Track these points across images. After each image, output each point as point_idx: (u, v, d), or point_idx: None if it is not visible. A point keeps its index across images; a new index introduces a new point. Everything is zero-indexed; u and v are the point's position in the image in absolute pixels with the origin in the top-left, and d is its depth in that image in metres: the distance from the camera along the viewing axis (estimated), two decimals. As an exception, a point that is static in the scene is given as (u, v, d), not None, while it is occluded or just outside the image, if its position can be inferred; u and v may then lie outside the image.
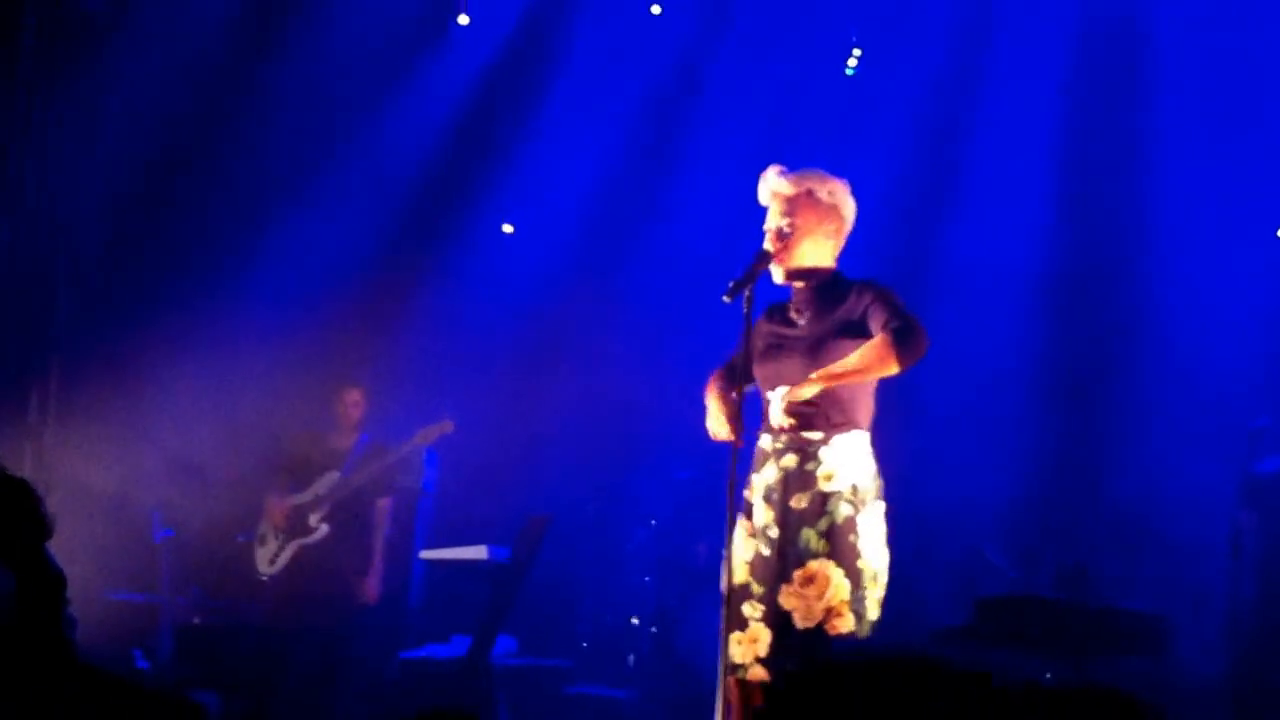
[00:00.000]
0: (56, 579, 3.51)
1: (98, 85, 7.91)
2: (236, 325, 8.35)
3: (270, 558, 7.41)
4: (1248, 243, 8.45)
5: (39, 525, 3.54)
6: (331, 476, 7.42)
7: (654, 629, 8.38)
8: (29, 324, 7.78)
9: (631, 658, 8.24)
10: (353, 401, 7.51)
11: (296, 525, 7.39)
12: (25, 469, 7.06)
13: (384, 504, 7.51)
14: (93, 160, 7.94)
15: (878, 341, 4.19)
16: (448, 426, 7.44)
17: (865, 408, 4.33)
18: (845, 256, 4.57)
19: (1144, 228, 8.64)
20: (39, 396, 7.70)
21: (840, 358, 4.25)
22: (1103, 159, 8.78)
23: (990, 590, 6.66)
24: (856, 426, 4.30)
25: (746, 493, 4.37)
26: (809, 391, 4.19)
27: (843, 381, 4.21)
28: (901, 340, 4.18)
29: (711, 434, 4.37)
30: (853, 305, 4.35)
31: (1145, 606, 6.55)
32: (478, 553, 7.48)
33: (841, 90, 9.04)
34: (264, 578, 7.41)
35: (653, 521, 8.55)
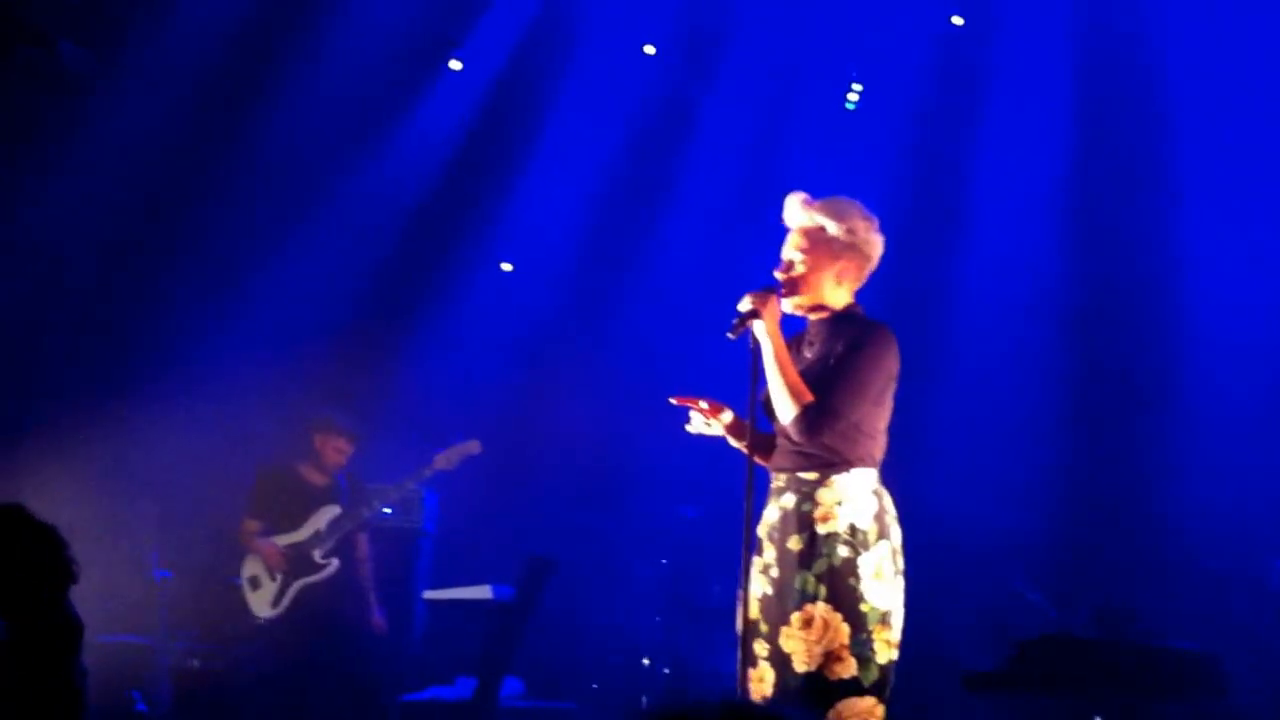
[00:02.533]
0: (76, 628, 3.56)
1: (84, 136, 8.01)
2: (229, 365, 8.36)
3: (270, 600, 7.28)
4: (1266, 262, 8.30)
5: (65, 573, 3.55)
6: (331, 511, 7.36)
7: (667, 670, 8.27)
8: (22, 366, 7.90)
9: (645, 699, 8.11)
10: (338, 448, 7.46)
11: (300, 564, 7.30)
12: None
13: (363, 539, 7.50)
14: (82, 207, 8.02)
15: (802, 398, 4.15)
16: (474, 446, 7.41)
17: (869, 445, 4.21)
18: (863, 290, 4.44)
19: (1160, 250, 8.58)
20: (34, 437, 7.67)
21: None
22: (1120, 181, 8.69)
23: (1025, 630, 6.40)
24: (858, 464, 4.19)
25: (760, 529, 4.31)
26: (768, 324, 4.18)
27: (767, 366, 4.18)
28: (810, 418, 4.14)
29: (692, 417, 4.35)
30: (836, 348, 4.25)
31: (1198, 645, 6.24)
32: (481, 593, 7.40)
33: (843, 123, 9.02)
34: (262, 621, 7.28)
35: (663, 561, 8.47)
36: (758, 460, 4.23)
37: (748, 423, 4.21)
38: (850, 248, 4.28)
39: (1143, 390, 8.53)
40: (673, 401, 4.35)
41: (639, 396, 8.66)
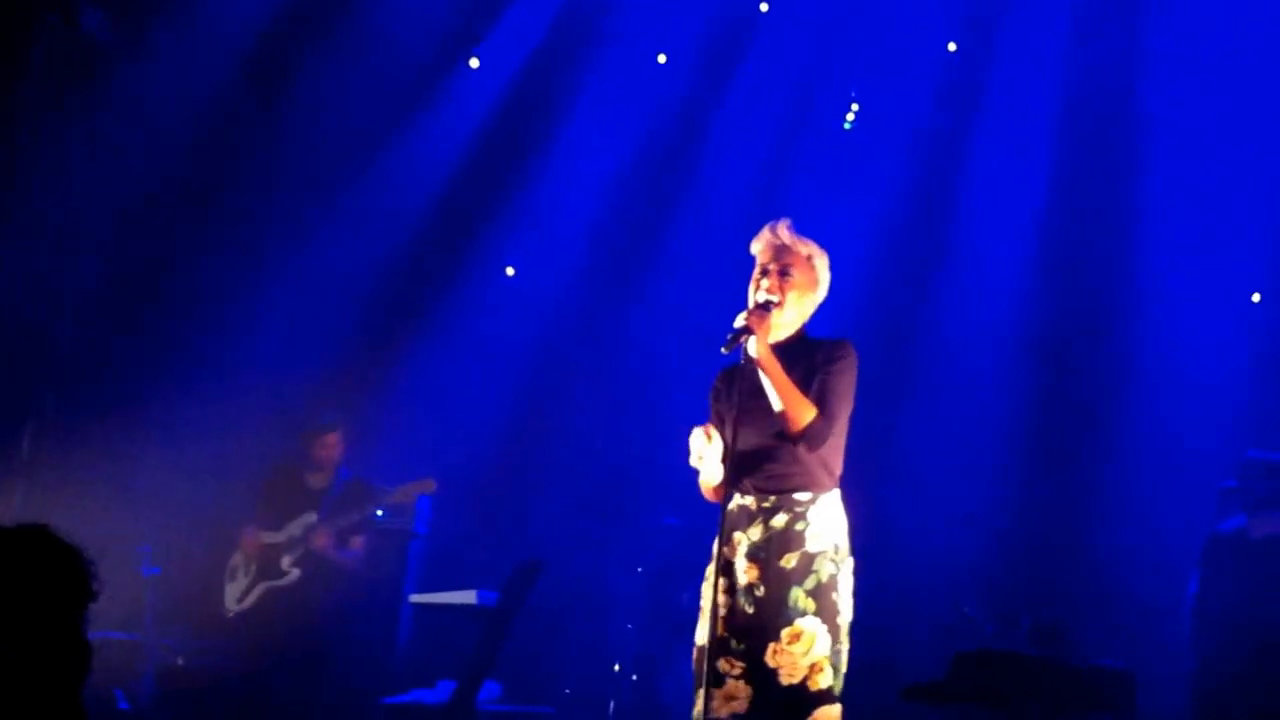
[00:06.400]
0: (87, 650, 3.41)
1: (104, 113, 7.92)
2: (235, 361, 8.39)
3: (239, 595, 7.38)
4: (1223, 306, 8.62)
5: (86, 595, 3.40)
6: (308, 518, 7.41)
7: (635, 676, 8.39)
8: (28, 357, 7.78)
9: (612, 705, 8.24)
10: (329, 444, 7.49)
11: (268, 566, 7.36)
12: (15, 504, 7.12)
13: (358, 540, 7.48)
14: (98, 190, 7.95)
15: (811, 408, 4.27)
16: (429, 485, 7.47)
17: (839, 461, 4.41)
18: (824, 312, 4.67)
19: (1124, 289, 8.83)
20: (33, 432, 7.68)
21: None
22: (1087, 222, 8.92)
23: (968, 645, 6.66)
24: (835, 483, 4.39)
25: (726, 549, 4.36)
26: (759, 344, 4.24)
27: (772, 380, 4.24)
28: (815, 430, 4.27)
29: (694, 450, 4.33)
30: (816, 363, 4.39)
31: (1113, 662, 6.57)
32: (467, 597, 7.47)
33: (839, 144, 9.17)
34: (230, 614, 7.36)
35: (639, 569, 8.57)
36: (716, 485, 4.32)
37: (727, 438, 4.28)
38: (820, 282, 4.48)
39: (1094, 421, 8.74)
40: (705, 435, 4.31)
41: (633, 406, 8.96)
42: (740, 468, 4.32)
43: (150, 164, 8.20)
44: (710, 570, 4.36)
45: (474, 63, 9.05)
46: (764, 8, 9.13)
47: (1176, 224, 8.63)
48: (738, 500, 4.36)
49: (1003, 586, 8.33)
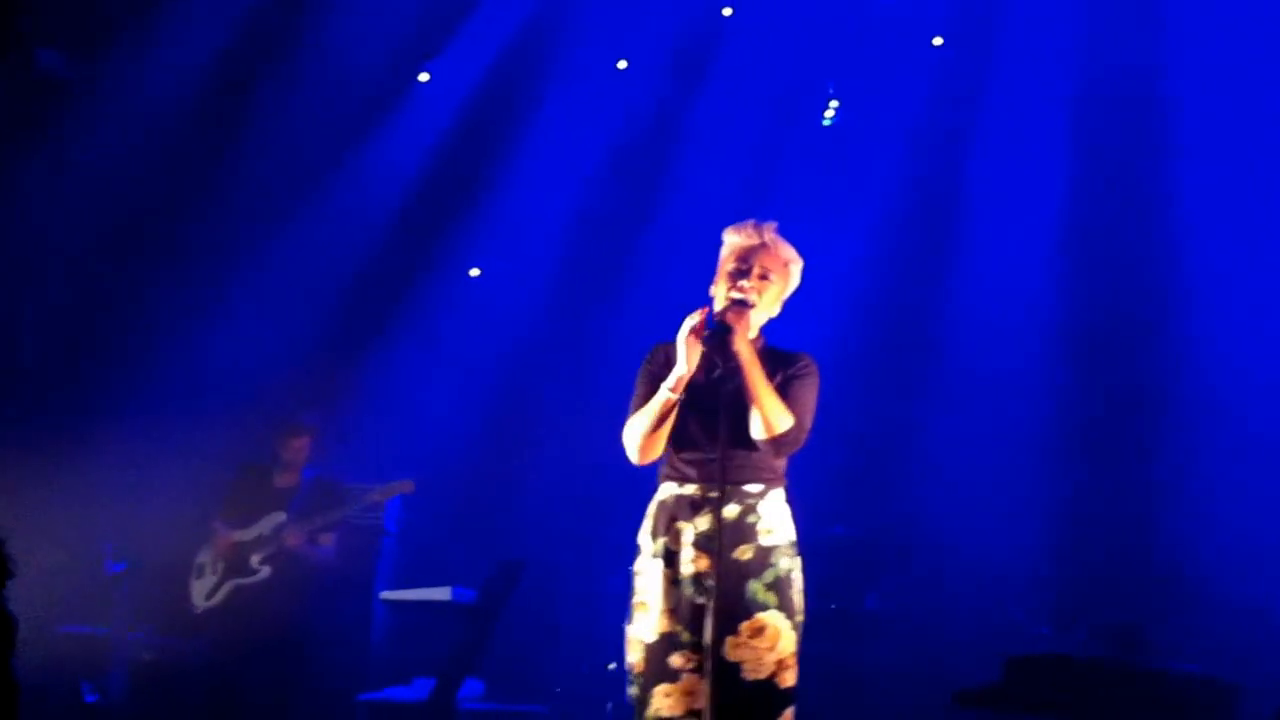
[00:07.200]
0: (9, 624, 3.51)
1: (64, 143, 8.25)
2: (202, 364, 8.55)
3: (207, 592, 7.38)
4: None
5: (3, 574, 3.54)
6: (276, 517, 7.39)
7: None
8: None
9: (610, 705, 8.05)
10: (298, 446, 7.52)
11: (237, 563, 7.38)
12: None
13: (329, 538, 7.47)
14: (58, 217, 8.31)
15: (788, 415, 4.23)
16: (408, 486, 7.54)
17: (785, 463, 4.38)
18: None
19: (1167, 273, 8.58)
20: None
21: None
22: (1117, 198, 8.74)
23: (1016, 649, 6.24)
24: (784, 482, 4.36)
25: (664, 540, 4.29)
26: (741, 340, 4.19)
27: (751, 381, 4.18)
28: (791, 437, 4.24)
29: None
30: (784, 373, 4.33)
31: (1210, 671, 5.98)
32: (441, 594, 7.44)
33: (835, 140, 9.13)
34: (197, 610, 7.37)
35: (630, 568, 8.22)
36: (652, 448, 4.28)
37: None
38: (791, 288, 4.46)
39: (1145, 408, 8.52)
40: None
41: (612, 404, 8.68)
42: (684, 456, 4.32)
43: (112, 185, 8.40)
44: (640, 564, 4.35)
45: (423, 77, 9.23)
46: (727, 12, 9.12)
47: (1208, 195, 8.34)
48: (674, 490, 4.32)
49: (1053, 585, 8.04)
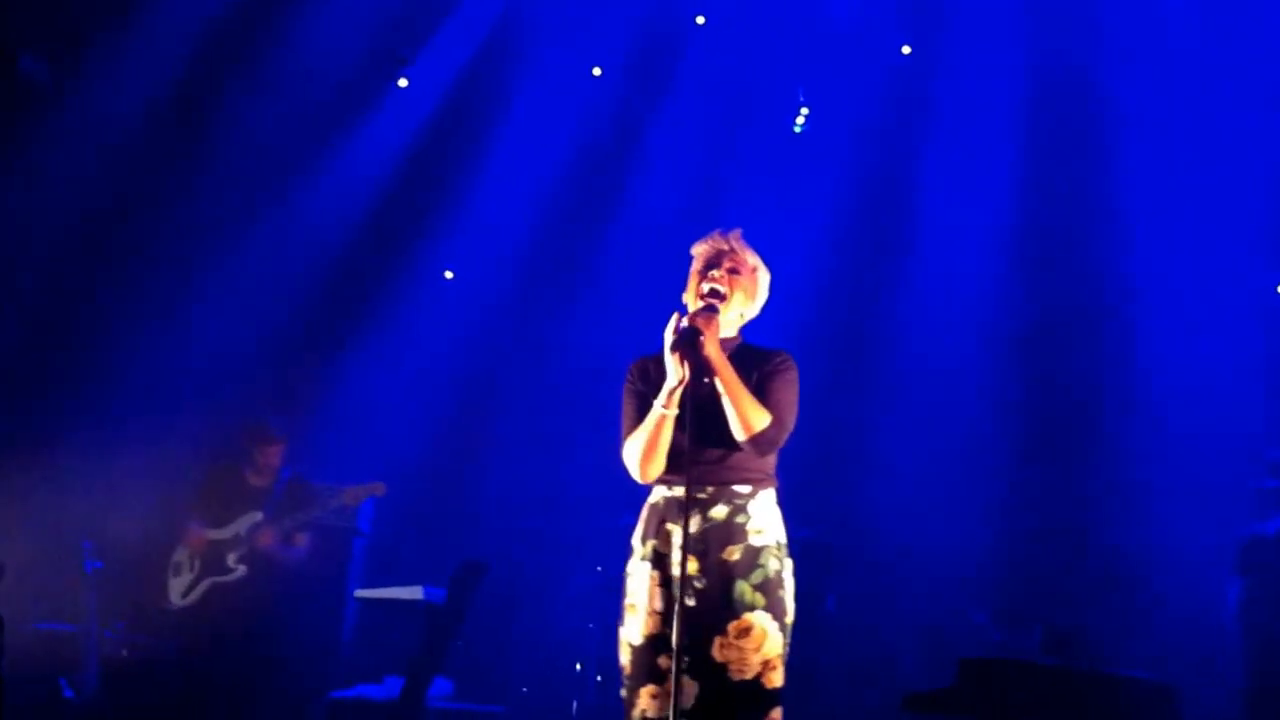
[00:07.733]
0: None
1: (41, 145, 8.18)
2: (174, 363, 8.53)
3: (183, 590, 7.39)
4: (1224, 292, 8.41)
5: None
6: (253, 517, 7.41)
7: (599, 678, 8.24)
8: None
9: (575, 704, 8.11)
10: (272, 453, 7.52)
11: (212, 562, 7.38)
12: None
13: (302, 538, 7.49)
14: (31, 219, 8.22)
15: (765, 413, 4.23)
16: (379, 489, 7.54)
17: (774, 464, 4.36)
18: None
19: (1111, 278, 8.67)
20: None
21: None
22: (1066, 203, 8.76)
23: (970, 652, 6.26)
24: (774, 483, 4.34)
25: (654, 543, 4.29)
26: (710, 343, 4.19)
27: (725, 383, 4.18)
28: (770, 436, 4.24)
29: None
30: (761, 370, 4.34)
31: (1150, 674, 6.11)
32: (413, 593, 7.46)
33: (793, 146, 9.11)
34: (174, 608, 7.38)
35: (599, 568, 8.38)
36: (653, 465, 4.26)
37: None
38: (761, 293, 4.48)
39: (1090, 409, 8.57)
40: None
41: (580, 404, 8.87)
42: (675, 460, 4.27)
43: (83, 186, 8.39)
44: (632, 566, 4.33)
45: (402, 82, 9.20)
46: (700, 20, 9.13)
47: (1161, 207, 8.46)
48: (666, 493, 4.32)
49: (1002, 586, 8.11)
